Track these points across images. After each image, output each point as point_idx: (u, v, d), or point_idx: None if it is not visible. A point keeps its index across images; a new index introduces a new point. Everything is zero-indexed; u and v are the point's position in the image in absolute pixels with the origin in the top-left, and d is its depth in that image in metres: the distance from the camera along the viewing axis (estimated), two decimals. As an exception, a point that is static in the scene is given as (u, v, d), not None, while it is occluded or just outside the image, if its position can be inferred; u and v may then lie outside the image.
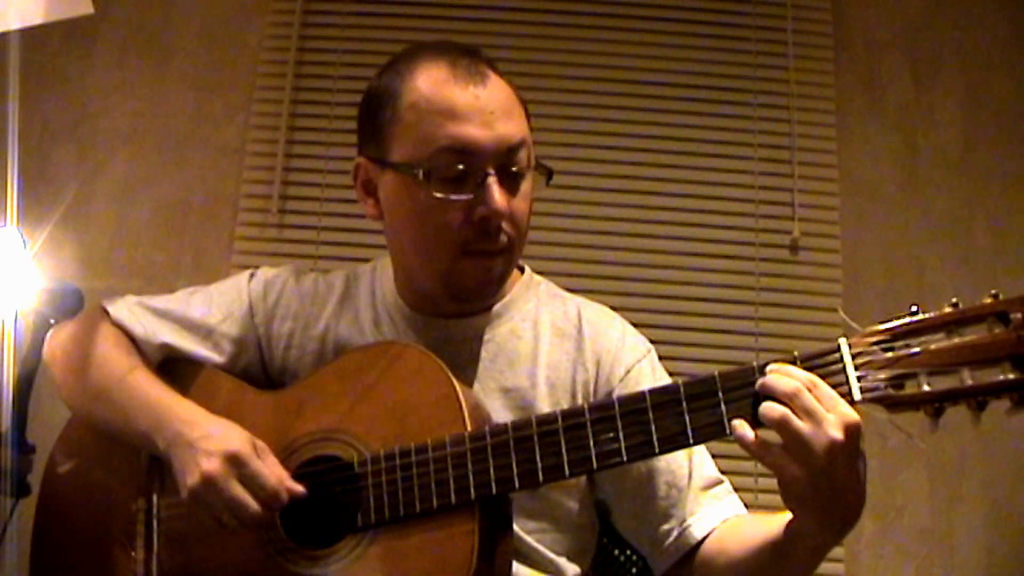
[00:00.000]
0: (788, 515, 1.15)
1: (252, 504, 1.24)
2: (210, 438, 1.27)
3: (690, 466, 1.34)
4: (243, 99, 2.89)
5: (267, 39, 2.93)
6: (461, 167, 1.27)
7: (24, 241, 1.74)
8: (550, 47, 2.90)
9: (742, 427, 1.10)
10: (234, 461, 1.24)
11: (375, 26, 2.92)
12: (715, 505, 1.34)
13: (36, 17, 1.81)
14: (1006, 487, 2.64)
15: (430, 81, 1.30)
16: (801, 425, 1.05)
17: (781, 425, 1.06)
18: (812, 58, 2.89)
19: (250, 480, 1.24)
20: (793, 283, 2.77)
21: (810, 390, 1.06)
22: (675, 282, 2.78)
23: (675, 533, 1.32)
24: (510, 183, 1.30)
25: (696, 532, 1.32)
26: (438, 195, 1.28)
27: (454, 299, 1.37)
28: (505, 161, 1.29)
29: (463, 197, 1.28)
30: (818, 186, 2.83)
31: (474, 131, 1.27)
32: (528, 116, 1.37)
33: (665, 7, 2.92)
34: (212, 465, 1.24)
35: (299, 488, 1.26)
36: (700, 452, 1.37)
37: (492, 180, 1.27)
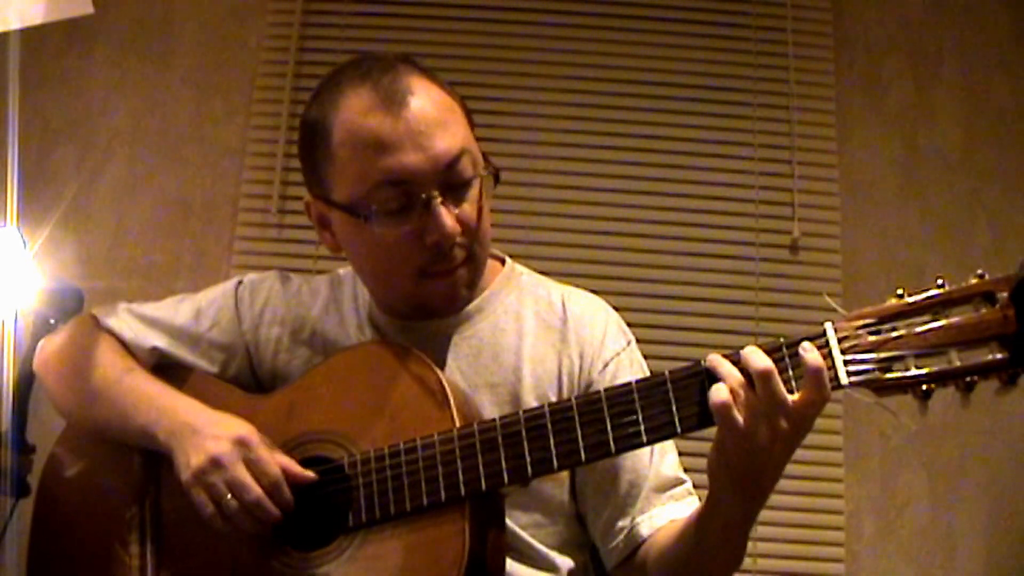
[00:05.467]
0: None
1: (255, 488, 1.23)
2: (217, 424, 1.28)
3: (651, 466, 1.35)
4: (243, 99, 2.89)
5: (267, 39, 2.93)
6: (402, 198, 1.26)
7: (24, 241, 1.74)
8: (550, 47, 2.90)
9: (719, 389, 1.11)
10: (242, 444, 1.25)
11: (375, 26, 2.92)
12: (668, 505, 1.34)
13: (36, 17, 1.81)
14: (1006, 487, 2.64)
15: (355, 112, 1.26)
16: (750, 414, 1.09)
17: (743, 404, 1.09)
18: (812, 58, 2.89)
19: (255, 465, 1.24)
20: (793, 283, 2.78)
21: (768, 377, 1.08)
22: (675, 282, 2.78)
23: (625, 532, 1.33)
24: (456, 195, 1.28)
25: (643, 530, 1.32)
26: (384, 231, 1.27)
27: (424, 316, 1.37)
28: (446, 177, 1.26)
29: (409, 228, 1.27)
30: (818, 186, 2.83)
31: (407, 158, 1.24)
32: (467, 114, 1.33)
33: (665, 7, 2.92)
34: (220, 447, 1.24)
35: (308, 474, 1.26)
36: (663, 451, 1.37)
37: (436, 203, 1.25)
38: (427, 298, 1.34)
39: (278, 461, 1.26)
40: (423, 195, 1.25)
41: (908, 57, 2.92)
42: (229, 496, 1.23)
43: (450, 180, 1.27)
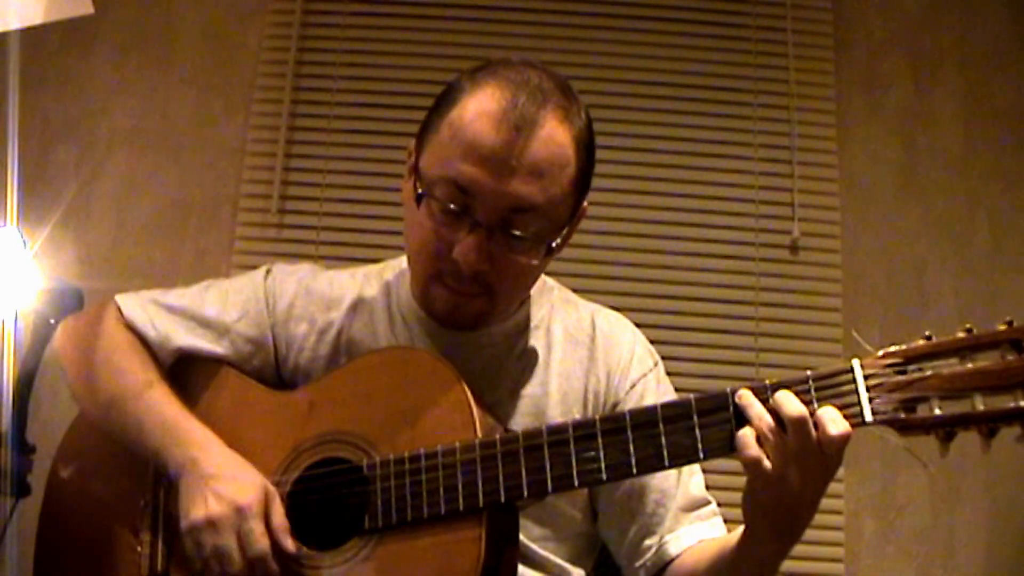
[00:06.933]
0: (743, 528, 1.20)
1: (237, 562, 1.23)
2: (223, 479, 1.27)
3: (678, 485, 1.35)
4: (243, 99, 2.89)
5: (267, 39, 2.93)
6: (460, 205, 1.24)
7: (24, 241, 1.74)
8: (550, 47, 2.90)
9: (746, 437, 1.11)
10: (239, 512, 1.24)
11: (375, 26, 2.92)
12: (695, 525, 1.34)
13: (36, 17, 1.81)
14: (1006, 487, 2.64)
15: (479, 107, 1.24)
16: (780, 458, 1.09)
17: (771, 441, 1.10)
18: (812, 58, 2.90)
19: (246, 537, 1.23)
20: (793, 283, 2.78)
21: (803, 423, 1.08)
22: (675, 282, 2.78)
23: (652, 550, 1.33)
24: (507, 240, 1.25)
25: (671, 550, 1.32)
26: (427, 220, 1.27)
27: (430, 317, 1.35)
28: (504, 219, 1.24)
29: (447, 233, 1.26)
30: (818, 186, 2.83)
31: (484, 178, 1.22)
32: (580, 186, 1.30)
33: (665, 7, 2.92)
34: (219, 509, 1.24)
35: (292, 549, 1.24)
36: (691, 471, 1.37)
37: (479, 231, 1.23)
38: (433, 301, 1.32)
39: (277, 526, 1.25)
40: (475, 216, 1.24)
41: (908, 57, 2.92)
42: (212, 561, 1.24)
43: (509, 223, 1.25)
